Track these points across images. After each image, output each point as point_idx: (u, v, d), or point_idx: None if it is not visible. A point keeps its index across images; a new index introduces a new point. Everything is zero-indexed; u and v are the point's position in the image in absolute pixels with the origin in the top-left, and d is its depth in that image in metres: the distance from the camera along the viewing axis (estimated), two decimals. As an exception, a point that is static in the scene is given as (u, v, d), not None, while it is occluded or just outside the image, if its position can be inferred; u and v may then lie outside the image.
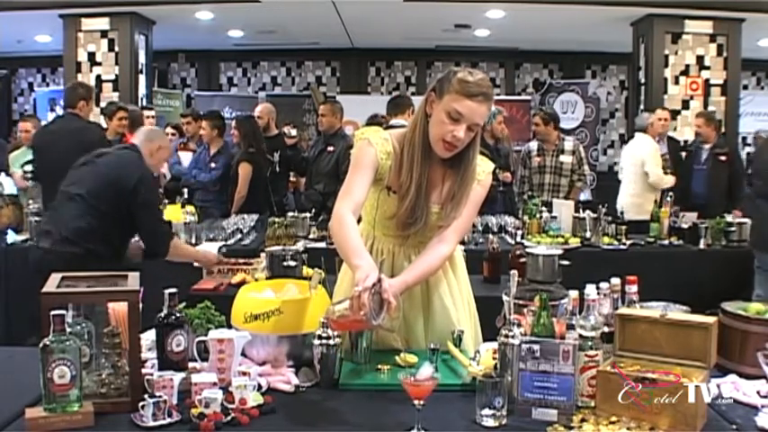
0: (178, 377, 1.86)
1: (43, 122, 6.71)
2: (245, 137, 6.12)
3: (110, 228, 3.49)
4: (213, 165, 6.15)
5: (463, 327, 2.31)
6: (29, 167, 5.79)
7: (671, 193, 5.49)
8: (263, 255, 3.86)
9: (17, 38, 9.78)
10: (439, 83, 2.16)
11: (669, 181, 6.47)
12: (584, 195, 7.36)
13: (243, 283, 3.64)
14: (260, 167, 6.09)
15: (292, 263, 3.50)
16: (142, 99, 8.46)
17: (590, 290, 1.94)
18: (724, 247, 5.20)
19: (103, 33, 8.33)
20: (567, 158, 6.29)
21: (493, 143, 6.58)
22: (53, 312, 1.69)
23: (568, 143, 6.37)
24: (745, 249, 5.11)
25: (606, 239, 5.22)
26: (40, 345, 1.69)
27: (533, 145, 6.45)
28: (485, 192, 2.32)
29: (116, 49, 8.31)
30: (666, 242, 5.26)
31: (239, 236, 5.23)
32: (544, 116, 6.45)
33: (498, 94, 11.34)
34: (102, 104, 8.18)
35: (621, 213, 5.58)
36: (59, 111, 8.58)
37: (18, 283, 4.86)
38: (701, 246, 5.18)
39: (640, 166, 6.56)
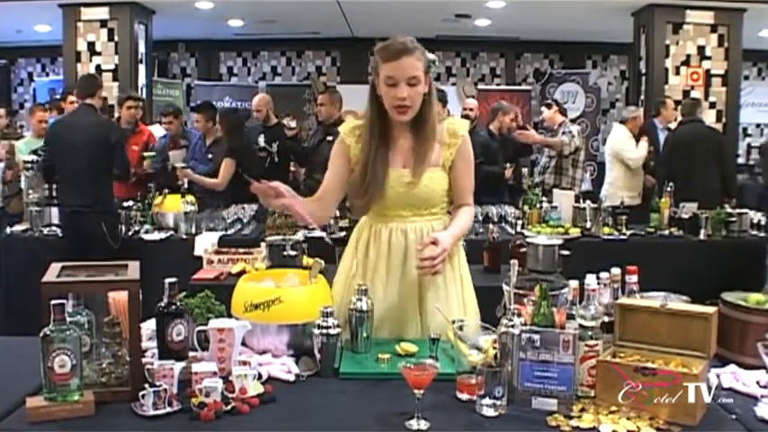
0: (178, 366, 1.86)
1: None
2: (228, 132, 6.02)
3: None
4: (210, 156, 6.13)
5: (458, 317, 2.32)
6: (28, 158, 5.76)
7: (671, 184, 5.49)
8: (263, 244, 3.87)
9: (16, 27, 9.75)
10: (373, 65, 2.40)
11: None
12: (585, 185, 7.43)
13: (243, 272, 3.64)
14: (244, 161, 5.93)
15: (292, 252, 3.52)
16: (142, 89, 8.43)
17: (590, 280, 1.95)
18: (724, 238, 5.20)
19: (103, 23, 8.29)
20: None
21: (497, 133, 6.63)
22: (53, 302, 1.69)
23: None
24: (748, 241, 5.17)
25: (606, 230, 5.23)
26: (41, 334, 1.69)
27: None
28: (470, 147, 2.46)
29: (116, 38, 8.27)
30: (666, 233, 5.26)
31: (239, 225, 5.23)
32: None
33: (498, 85, 11.34)
34: (103, 94, 8.17)
35: (600, 200, 5.63)
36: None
37: (18, 273, 4.87)
38: (701, 236, 5.19)
39: (614, 156, 6.87)
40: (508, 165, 6.33)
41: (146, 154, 6.15)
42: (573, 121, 9.89)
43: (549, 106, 6.76)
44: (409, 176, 2.36)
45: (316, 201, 2.47)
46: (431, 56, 2.35)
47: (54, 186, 5.19)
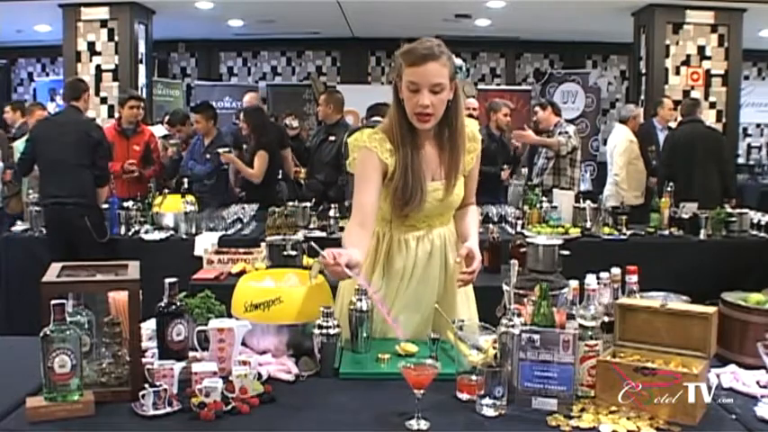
0: (178, 366, 1.86)
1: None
2: (256, 128, 6.15)
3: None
4: (208, 156, 6.14)
5: (463, 316, 2.35)
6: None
7: (671, 184, 5.50)
8: (263, 244, 3.88)
9: (17, 27, 9.75)
10: (396, 66, 2.26)
11: (622, 177, 6.90)
12: (585, 185, 7.46)
13: (243, 272, 3.64)
14: (273, 156, 6.13)
15: (292, 252, 3.52)
16: (142, 89, 8.43)
17: (590, 280, 1.94)
18: (724, 238, 5.20)
19: (103, 23, 8.29)
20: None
21: (498, 134, 6.66)
22: (53, 302, 1.69)
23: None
24: (748, 241, 5.19)
25: (606, 230, 5.23)
26: (41, 334, 1.69)
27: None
28: (479, 146, 2.44)
29: (116, 38, 8.27)
30: (666, 232, 5.26)
31: (239, 225, 5.23)
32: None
33: (498, 84, 11.34)
34: (103, 94, 8.21)
35: (600, 200, 5.69)
36: (59, 100, 8.57)
37: (18, 273, 4.87)
38: (702, 236, 5.19)
39: (611, 156, 7.05)
40: (506, 166, 6.37)
41: (171, 142, 6.26)
42: (572, 121, 9.95)
43: (543, 107, 6.68)
44: (443, 189, 2.32)
45: (362, 228, 2.20)
46: (458, 61, 2.26)
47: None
